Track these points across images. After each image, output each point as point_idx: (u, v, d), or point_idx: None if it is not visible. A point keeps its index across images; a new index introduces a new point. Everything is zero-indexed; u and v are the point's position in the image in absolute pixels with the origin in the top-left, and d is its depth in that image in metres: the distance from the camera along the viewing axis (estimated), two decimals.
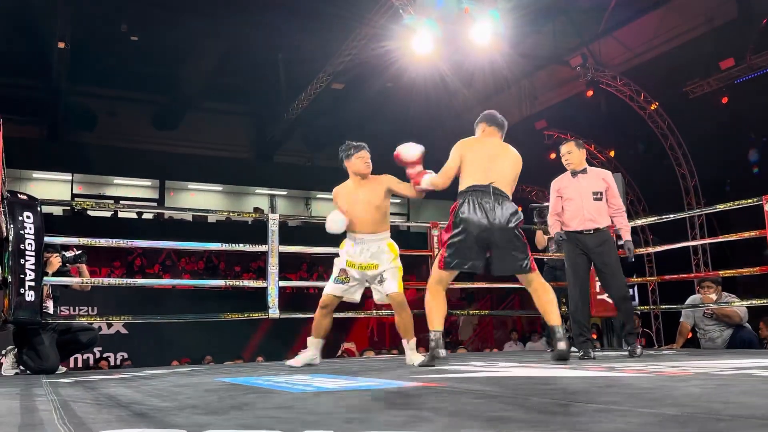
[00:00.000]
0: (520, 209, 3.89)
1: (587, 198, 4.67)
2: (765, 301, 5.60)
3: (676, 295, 6.71)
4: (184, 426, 1.66)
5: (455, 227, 3.70)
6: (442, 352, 3.69)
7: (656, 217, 6.86)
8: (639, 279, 12.97)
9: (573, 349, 6.20)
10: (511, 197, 3.82)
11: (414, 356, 4.00)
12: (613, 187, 4.74)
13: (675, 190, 12.17)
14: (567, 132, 14.23)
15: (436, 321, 3.73)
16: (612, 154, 13.91)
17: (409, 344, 4.06)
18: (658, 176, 12.60)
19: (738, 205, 5.57)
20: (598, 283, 6.32)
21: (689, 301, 6.21)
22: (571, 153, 4.83)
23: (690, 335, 6.73)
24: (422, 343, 4.22)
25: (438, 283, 3.80)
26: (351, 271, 4.13)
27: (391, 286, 4.01)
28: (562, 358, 3.82)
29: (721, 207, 6.02)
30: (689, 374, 2.94)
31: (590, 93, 13.21)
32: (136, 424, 1.75)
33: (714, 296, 5.89)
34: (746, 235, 5.69)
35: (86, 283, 4.82)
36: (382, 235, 4.14)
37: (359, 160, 4.23)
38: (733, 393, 2.17)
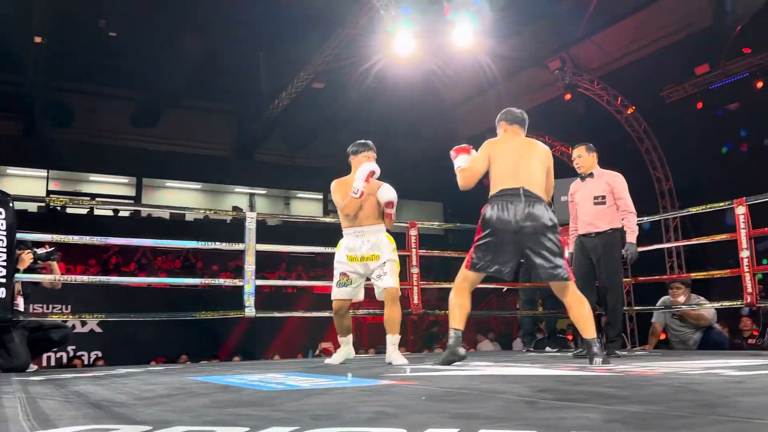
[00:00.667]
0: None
1: (588, 202, 4.76)
2: (735, 302, 5.70)
3: (651, 297, 6.78)
4: (150, 422, 1.65)
5: (483, 229, 3.62)
6: (462, 351, 3.65)
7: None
8: None
9: (548, 348, 6.28)
10: (546, 198, 3.69)
11: (395, 354, 4.06)
12: (618, 188, 4.73)
13: (650, 194, 12.33)
14: (545, 135, 14.36)
15: (457, 319, 3.66)
16: None
17: (393, 339, 4.12)
18: (634, 179, 12.72)
19: (711, 208, 5.67)
20: None
21: (660, 302, 6.30)
22: (581, 157, 4.92)
23: (664, 336, 6.82)
24: (403, 343, 4.23)
25: (463, 281, 3.71)
26: (354, 265, 4.21)
27: (389, 281, 4.10)
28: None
29: (694, 210, 6.13)
30: (657, 374, 2.99)
31: (568, 96, 13.32)
32: (102, 421, 1.74)
33: (682, 298, 5.96)
34: (718, 237, 5.79)
35: (57, 280, 4.76)
36: (381, 227, 4.24)
37: (365, 158, 4.31)
38: (697, 392, 2.21)
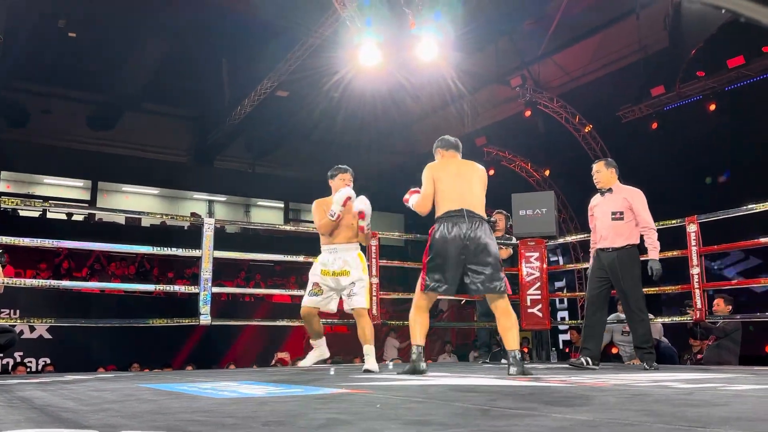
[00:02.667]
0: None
1: (606, 217, 4.72)
2: (684, 318, 5.84)
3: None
4: (97, 427, 1.61)
5: (431, 251, 3.82)
6: (423, 365, 3.83)
7: (586, 234, 7.07)
8: (569, 294, 13.42)
9: (503, 360, 6.33)
10: (484, 214, 3.90)
11: (373, 361, 4.31)
12: (637, 204, 4.67)
13: None
14: (505, 150, 14.58)
15: (418, 337, 3.88)
16: (547, 173, 14.30)
17: (367, 349, 4.37)
18: (590, 197, 12.98)
19: (663, 225, 5.81)
20: (529, 297, 6.49)
21: (611, 317, 6.41)
22: (599, 172, 4.86)
23: (616, 350, 6.96)
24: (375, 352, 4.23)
25: (420, 300, 3.92)
26: (326, 279, 4.47)
27: (359, 301, 4.37)
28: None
29: None
30: (608, 385, 3.04)
31: (528, 113, 13.56)
32: (47, 426, 1.69)
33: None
34: (670, 254, 5.93)
35: (1, 284, 4.61)
36: (355, 245, 4.51)
37: (341, 181, 4.56)
38: (646, 402, 2.26)
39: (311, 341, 4.66)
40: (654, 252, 4.63)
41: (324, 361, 4.63)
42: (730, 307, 5.99)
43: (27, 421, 1.79)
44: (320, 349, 4.65)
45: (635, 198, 4.69)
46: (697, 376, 3.70)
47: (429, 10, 9.78)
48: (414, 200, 4.11)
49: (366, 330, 4.38)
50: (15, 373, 8.07)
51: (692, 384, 3.06)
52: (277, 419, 1.78)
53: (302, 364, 4.62)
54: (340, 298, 4.51)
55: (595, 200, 4.93)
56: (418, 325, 3.91)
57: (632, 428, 1.59)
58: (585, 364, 4.65)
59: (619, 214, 4.67)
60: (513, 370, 3.74)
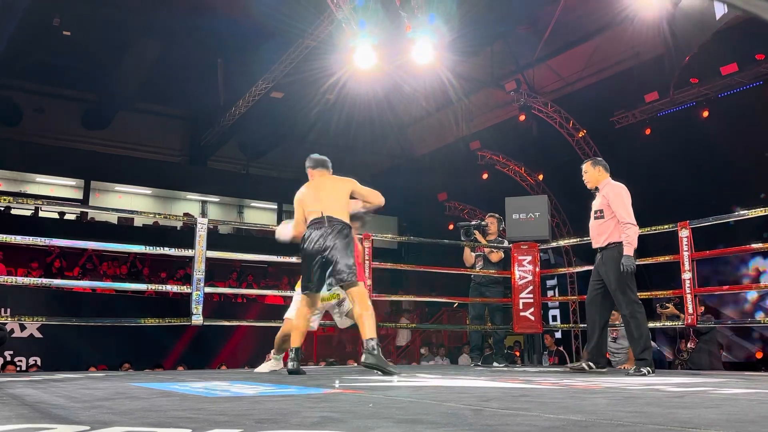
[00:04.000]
0: (356, 231, 4.30)
1: (592, 218, 4.67)
2: (676, 323, 5.87)
3: None
4: (88, 423, 1.61)
5: (301, 256, 4.16)
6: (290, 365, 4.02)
7: (578, 239, 7.09)
8: (561, 298, 13.45)
9: (495, 363, 6.34)
10: (347, 216, 4.14)
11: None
12: (614, 200, 4.54)
13: None
14: (499, 154, 14.61)
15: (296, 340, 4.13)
16: (541, 177, 14.33)
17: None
18: (583, 201, 13.03)
19: (655, 230, 5.83)
20: (522, 301, 6.51)
21: None
22: (587, 172, 4.78)
23: (607, 356, 6.97)
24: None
25: (304, 306, 4.19)
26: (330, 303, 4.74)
27: (345, 321, 4.72)
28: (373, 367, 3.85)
29: (639, 231, 6.27)
30: (599, 388, 3.05)
31: (522, 117, 13.58)
32: (37, 421, 1.68)
33: (618, 320, 6.09)
34: (662, 259, 5.95)
35: None
36: None
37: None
38: (637, 404, 2.27)
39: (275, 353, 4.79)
40: (628, 248, 4.44)
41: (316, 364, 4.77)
42: (702, 308, 6.06)
43: (18, 417, 1.78)
44: (275, 362, 4.81)
45: (611, 193, 4.58)
46: (687, 380, 3.72)
47: (425, 14, 9.80)
48: (284, 230, 4.38)
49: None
50: (5, 371, 8.02)
51: (683, 387, 3.07)
52: (270, 417, 1.77)
53: (258, 370, 4.78)
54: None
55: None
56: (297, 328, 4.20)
57: (624, 428, 1.59)
58: (586, 368, 4.57)
59: (599, 212, 4.59)
60: (365, 357, 3.81)
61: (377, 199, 4.31)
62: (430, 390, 2.87)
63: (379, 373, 3.77)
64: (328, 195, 4.17)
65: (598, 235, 4.60)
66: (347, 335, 13.13)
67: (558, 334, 11.91)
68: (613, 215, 4.52)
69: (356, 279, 3.99)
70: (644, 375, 4.22)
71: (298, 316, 4.19)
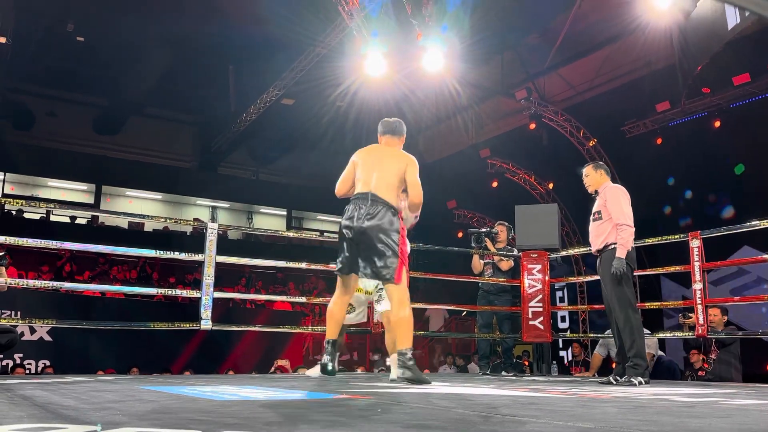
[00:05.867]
0: (401, 220, 3.81)
1: (591, 220, 4.59)
2: (687, 334, 5.83)
3: (606, 325, 6.90)
4: (99, 423, 1.61)
5: (339, 234, 3.82)
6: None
7: (588, 248, 7.06)
8: (570, 307, 13.38)
9: (503, 372, 6.31)
10: (396, 201, 3.76)
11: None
12: (610, 201, 4.45)
13: None
14: (509, 162, 14.59)
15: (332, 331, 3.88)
16: (551, 186, 14.29)
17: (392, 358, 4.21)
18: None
19: (666, 240, 5.80)
20: (531, 309, 6.48)
21: (608, 332, 6.38)
22: (588, 176, 4.70)
23: (614, 365, 6.92)
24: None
25: (339, 291, 3.87)
26: (357, 296, 4.70)
27: (386, 305, 4.19)
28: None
29: (650, 241, 6.25)
30: (609, 397, 3.03)
31: (533, 126, 13.57)
32: (48, 421, 1.69)
33: None
34: (672, 269, 5.92)
35: (5, 284, 4.62)
36: None
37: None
38: (648, 413, 2.25)
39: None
40: (620, 250, 4.30)
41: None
42: (726, 317, 5.97)
43: (29, 417, 1.79)
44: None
45: (608, 194, 4.49)
46: (698, 391, 3.69)
47: (436, 23, 9.84)
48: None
49: (391, 338, 4.19)
50: (14, 374, 8.06)
51: (693, 398, 3.04)
52: (280, 420, 1.78)
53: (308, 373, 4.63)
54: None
55: None
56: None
57: None
58: (613, 382, 4.31)
59: (597, 214, 4.51)
60: (396, 373, 3.60)
61: (414, 191, 3.80)
62: (439, 397, 2.86)
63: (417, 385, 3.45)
64: (382, 169, 3.78)
65: (596, 237, 4.51)
66: (356, 341, 13.11)
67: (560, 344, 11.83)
68: (611, 217, 4.42)
69: (395, 278, 3.59)
70: (634, 385, 4.05)
71: (334, 303, 3.83)
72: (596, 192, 4.65)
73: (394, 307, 3.64)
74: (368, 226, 3.60)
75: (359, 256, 3.68)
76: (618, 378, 4.33)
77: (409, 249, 3.85)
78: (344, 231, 3.71)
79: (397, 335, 3.61)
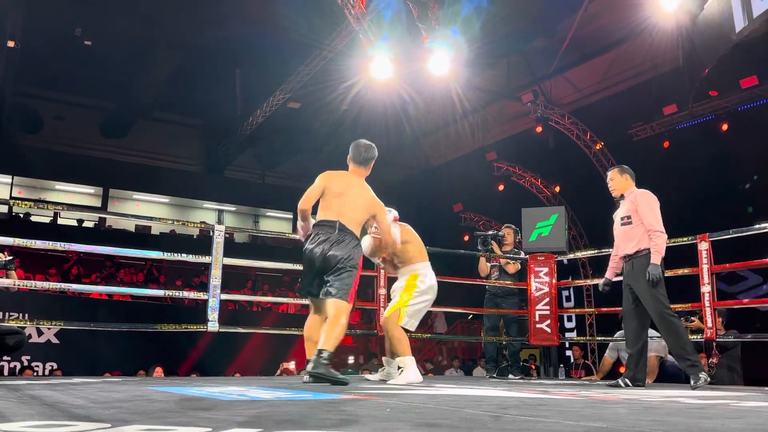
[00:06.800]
0: (368, 246, 4.26)
1: (618, 224, 4.56)
2: (695, 336, 5.79)
3: (613, 328, 6.87)
4: (109, 421, 1.61)
5: (303, 256, 3.98)
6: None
7: (595, 251, 7.04)
8: (577, 310, 13.33)
9: (510, 375, 6.29)
10: (359, 230, 4.00)
11: (406, 372, 4.17)
12: (642, 206, 4.43)
13: None
14: (515, 165, 14.57)
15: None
16: (557, 189, 14.27)
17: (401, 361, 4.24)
18: (600, 213, 12.98)
19: (674, 243, 5.77)
20: (538, 313, 6.45)
21: (617, 334, 6.35)
22: (613, 180, 4.68)
23: (623, 369, 6.88)
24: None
25: (312, 313, 4.05)
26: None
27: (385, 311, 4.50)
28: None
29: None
30: (619, 399, 3.02)
31: (539, 129, 13.56)
32: (58, 418, 1.70)
33: None
34: (680, 272, 5.89)
35: (15, 285, 4.63)
36: (403, 270, 4.57)
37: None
38: (658, 414, 2.24)
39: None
40: (655, 256, 4.29)
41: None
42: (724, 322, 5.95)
43: (39, 415, 1.79)
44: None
45: (640, 200, 4.47)
46: (707, 393, 3.66)
47: (444, 26, 9.84)
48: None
49: (395, 340, 4.29)
50: (23, 375, 8.08)
51: (703, 400, 3.03)
52: (289, 419, 1.77)
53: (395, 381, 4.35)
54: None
55: (616, 210, 4.74)
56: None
57: None
58: (622, 385, 4.31)
59: (627, 218, 4.47)
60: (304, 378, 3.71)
61: (388, 238, 4.19)
62: (447, 398, 2.86)
63: (328, 384, 3.54)
64: (351, 201, 3.99)
65: (626, 241, 4.46)
66: (360, 346, 13.09)
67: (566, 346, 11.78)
68: (641, 221, 4.41)
69: (348, 298, 3.78)
70: (700, 383, 4.05)
71: (309, 326, 3.97)
72: (622, 196, 4.62)
73: (335, 314, 3.74)
74: (332, 254, 3.79)
75: (318, 278, 3.87)
76: (628, 382, 4.32)
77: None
78: (308, 255, 3.88)
79: (325, 336, 3.69)
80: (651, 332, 4.96)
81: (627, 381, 4.36)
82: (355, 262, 3.84)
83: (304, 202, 3.98)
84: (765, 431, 1.75)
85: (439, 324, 14.97)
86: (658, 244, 4.31)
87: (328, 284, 3.78)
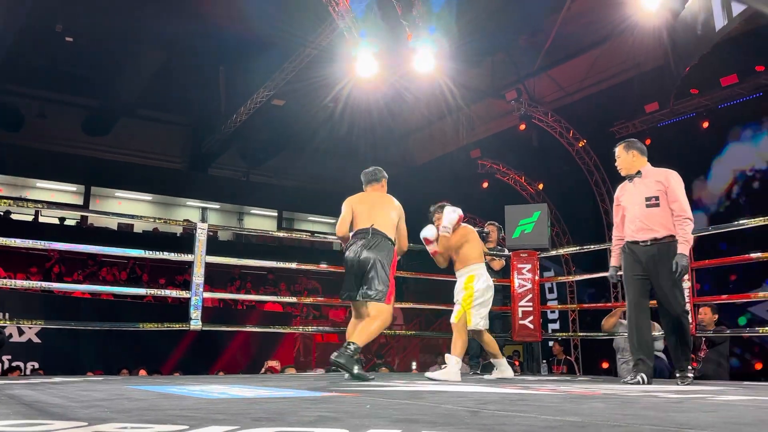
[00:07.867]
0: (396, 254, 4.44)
1: (640, 205, 4.08)
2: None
3: (596, 324, 6.92)
4: (86, 420, 1.61)
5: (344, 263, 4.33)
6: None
7: (578, 248, 7.10)
8: (560, 306, 13.42)
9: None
10: (393, 235, 4.35)
11: (448, 369, 4.44)
12: (674, 187, 4.03)
13: (599, 224, 12.64)
14: (499, 162, 14.63)
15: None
16: (541, 186, 14.34)
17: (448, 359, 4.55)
18: (584, 210, 13.09)
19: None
20: (520, 309, 6.49)
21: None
22: (619, 157, 4.28)
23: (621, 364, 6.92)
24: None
25: (353, 316, 4.38)
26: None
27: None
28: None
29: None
30: (597, 394, 3.05)
31: (523, 127, 13.61)
32: (35, 418, 1.69)
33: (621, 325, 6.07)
34: None
35: None
36: (461, 272, 4.94)
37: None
38: (634, 408, 2.27)
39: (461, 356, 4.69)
40: (685, 246, 3.91)
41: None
42: (716, 316, 5.98)
43: (16, 414, 1.78)
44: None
45: (672, 180, 4.07)
46: (686, 388, 3.71)
47: (425, 23, 9.86)
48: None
49: (453, 341, 4.62)
50: (11, 375, 8.01)
51: (682, 395, 3.06)
52: (267, 416, 1.78)
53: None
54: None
55: (622, 189, 4.31)
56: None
57: (621, 429, 1.59)
58: (641, 382, 3.93)
59: (655, 199, 4.03)
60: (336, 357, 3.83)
61: (404, 242, 4.54)
62: (428, 394, 2.87)
63: (347, 375, 3.83)
64: (382, 209, 4.39)
65: (654, 225, 4.00)
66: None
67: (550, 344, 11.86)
68: (668, 204, 4.02)
69: (385, 300, 4.10)
70: (689, 377, 3.99)
71: (350, 329, 4.28)
72: (639, 173, 4.21)
73: (374, 315, 4.08)
74: (365, 256, 4.13)
75: (357, 282, 4.18)
76: (644, 378, 3.97)
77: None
78: (346, 260, 4.25)
79: (358, 331, 4.01)
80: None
81: (644, 377, 3.98)
82: (386, 267, 4.15)
83: (340, 229, 4.39)
84: (736, 423, 1.78)
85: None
86: (688, 232, 3.96)
87: (365, 287, 4.10)
